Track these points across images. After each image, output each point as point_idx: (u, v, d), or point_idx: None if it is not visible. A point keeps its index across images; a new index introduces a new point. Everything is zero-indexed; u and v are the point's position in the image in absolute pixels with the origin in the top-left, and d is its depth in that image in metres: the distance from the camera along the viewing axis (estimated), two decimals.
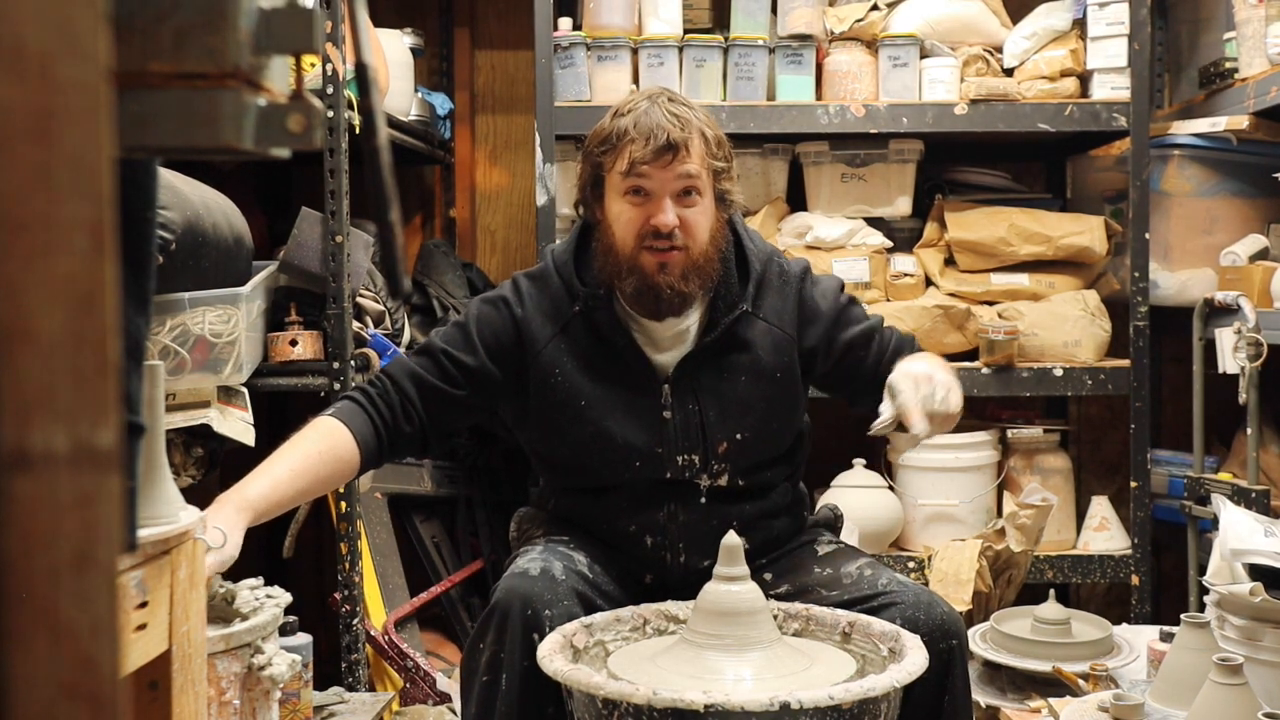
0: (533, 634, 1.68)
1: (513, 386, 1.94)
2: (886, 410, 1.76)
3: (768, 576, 1.91)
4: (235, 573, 1.83)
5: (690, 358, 1.91)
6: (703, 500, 1.91)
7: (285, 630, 2.10)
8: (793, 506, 2.03)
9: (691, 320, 1.92)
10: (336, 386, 2.42)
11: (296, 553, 2.57)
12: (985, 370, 2.84)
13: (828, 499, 2.76)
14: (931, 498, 2.90)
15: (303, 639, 2.19)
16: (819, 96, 2.90)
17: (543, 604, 1.70)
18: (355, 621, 2.51)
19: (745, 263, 1.94)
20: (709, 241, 1.87)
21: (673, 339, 1.92)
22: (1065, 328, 2.87)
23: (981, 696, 2.33)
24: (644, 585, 1.94)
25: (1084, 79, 2.91)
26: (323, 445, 1.82)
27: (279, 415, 3.19)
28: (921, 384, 1.75)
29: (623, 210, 1.85)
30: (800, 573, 1.92)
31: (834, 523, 2.12)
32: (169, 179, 2.08)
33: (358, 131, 2.44)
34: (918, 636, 1.63)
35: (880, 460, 3.04)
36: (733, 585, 1.60)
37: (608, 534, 1.94)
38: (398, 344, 2.72)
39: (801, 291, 1.97)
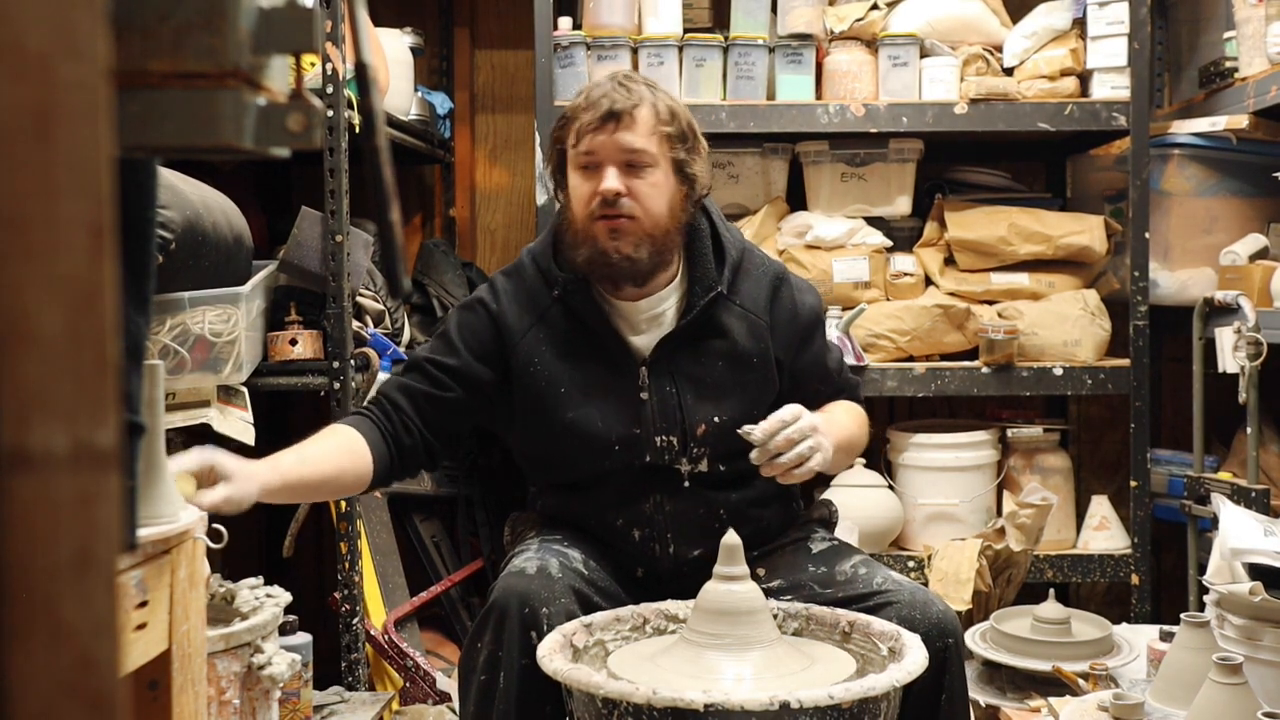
0: (530, 632, 1.69)
1: (499, 383, 1.96)
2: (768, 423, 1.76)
3: (760, 572, 1.91)
4: (235, 573, 1.83)
5: (668, 340, 1.92)
6: (686, 485, 1.91)
7: (285, 630, 2.10)
8: (782, 497, 2.02)
9: (669, 304, 1.94)
10: (336, 386, 2.42)
11: (296, 553, 2.57)
12: (985, 370, 2.84)
13: (828, 497, 2.76)
14: (931, 497, 2.90)
15: (303, 638, 2.19)
16: (819, 96, 2.90)
17: (540, 602, 1.70)
18: (355, 621, 2.51)
19: (721, 248, 1.95)
20: (666, 214, 1.88)
21: (649, 321, 1.93)
22: (1065, 327, 2.87)
23: (981, 696, 2.33)
24: (638, 579, 1.94)
25: (1084, 78, 2.91)
26: (341, 439, 1.86)
27: (279, 415, 3.19)
28: (805, 429, 1.75)
29: (578, 183, 1.89)
30: (794, 570, 1.92)
31: (829, 519, 2.13)
32: (169, 179, 2.07)
33: (358, 131, 2.44)
34: (918, 636, 1.63)
35: (880, 460, 3.04)
36: (733, 585, 1.60)
37: (596, 530, 1.95)
38: (398, 343, 2.72)
39: (780, 290, 1.98)
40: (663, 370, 1.92)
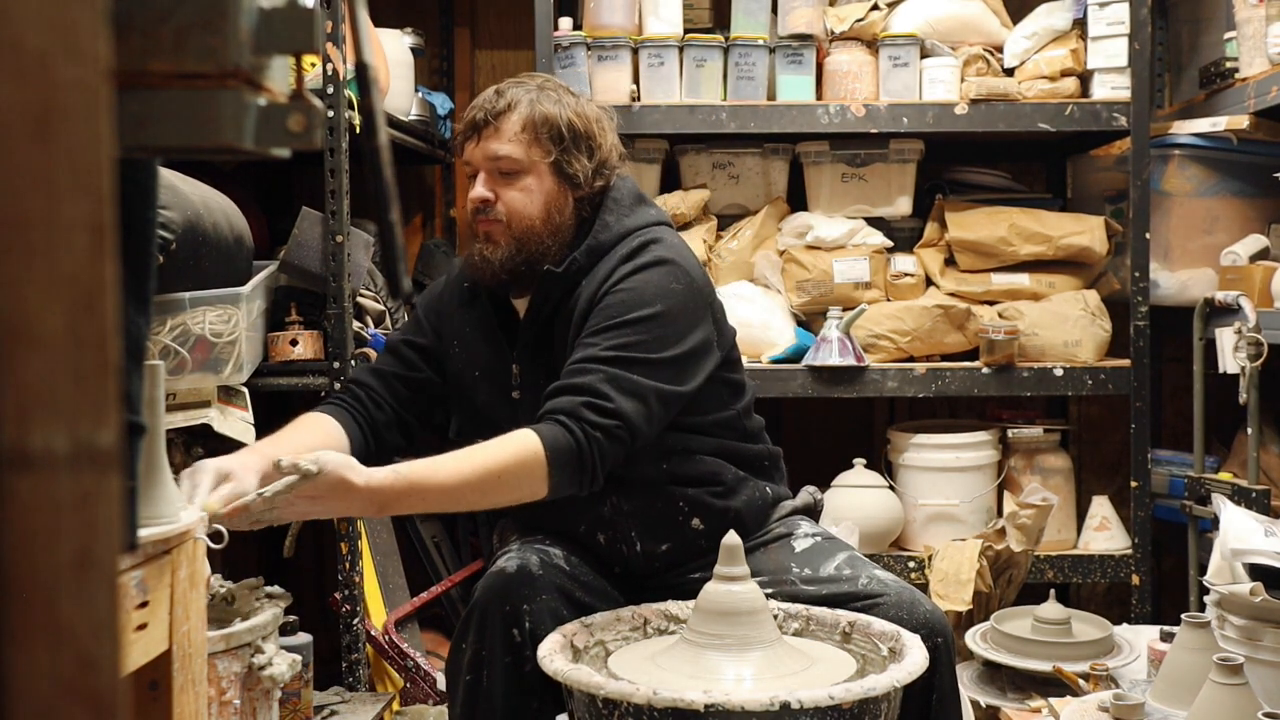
0: (512, 630, 1.69)
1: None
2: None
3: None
4: (235, 573, 1.82)
5: (527, 334, 1.92)
6: (637, 483, 1.85)
7: (285, 630, 2.10)
8: (746, 485, 1.95)
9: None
10: (337, 386, 2.42)
11: (296, 553, 2.56)
12: (986, 370, 2.84)
13: (828, 499, 2.76)
14: (932, 497, 2.90)
15: (303, 639, 2.19)
16: (819, 96, 2.90)
17: (521, 599, 1.71)
18: (355, 621, 2.51)
19: (590, 233, 1.90)
20: (540, 217, 1.88)
21: None
22: (1065, 327, 2.87)
23: (981, 696, 2.33)
24: (617, 575, 1.93)
25: (1084, 79, 2.91)
26: (313, 423, 1.89)
27: (279, 415, 3.18)
28: (270, 516, 1.56)
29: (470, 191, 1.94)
30: (778, 569, 1.88)
31: (813, 507, 2.07)
32: (169, 179, 2.07)
33: (358, 131, 2.44)
34: (918, 636, 1.63)
35: (880, 460, 3.04)
36: (733, 585, 1.60)
37: (568, 536, 1.91)
38: None
39: (616, 268, 1.86)
40: (530, 362, 1.92)
